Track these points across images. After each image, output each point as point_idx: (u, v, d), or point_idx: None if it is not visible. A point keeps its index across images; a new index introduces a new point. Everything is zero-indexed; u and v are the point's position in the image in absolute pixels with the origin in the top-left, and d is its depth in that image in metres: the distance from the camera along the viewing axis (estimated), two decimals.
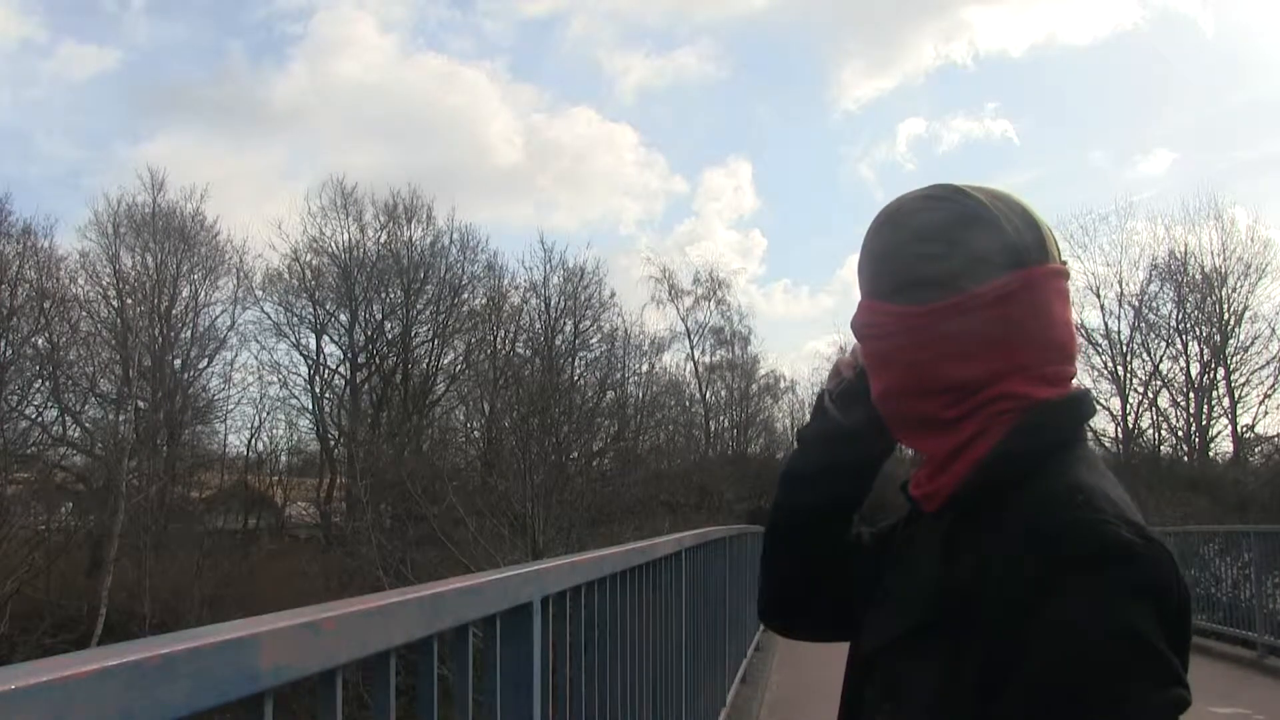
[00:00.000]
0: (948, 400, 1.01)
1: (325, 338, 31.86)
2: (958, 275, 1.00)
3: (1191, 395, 28.23)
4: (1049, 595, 0.87)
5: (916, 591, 1.01)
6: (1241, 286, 27.67)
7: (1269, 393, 27.07)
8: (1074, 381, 1.07)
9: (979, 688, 0.89)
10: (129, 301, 28.17)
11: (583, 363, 31.12)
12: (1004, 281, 1.00)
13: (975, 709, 0.90)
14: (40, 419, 25.75)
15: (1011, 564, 0.90)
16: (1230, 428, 27.61)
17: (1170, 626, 0.88)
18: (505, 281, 32.67)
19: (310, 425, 31.80)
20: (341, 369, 32.08)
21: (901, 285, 1.02)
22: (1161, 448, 28.57)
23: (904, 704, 0.99)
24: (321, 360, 31.85)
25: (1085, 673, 0.84)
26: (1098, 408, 1.11)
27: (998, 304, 0.99)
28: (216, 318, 30.45)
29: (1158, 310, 28.91)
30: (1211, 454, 27.72)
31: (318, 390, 31.66)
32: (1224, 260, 27.82)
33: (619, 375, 31.84)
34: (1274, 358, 27.05)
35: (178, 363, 29.41)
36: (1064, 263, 1.07)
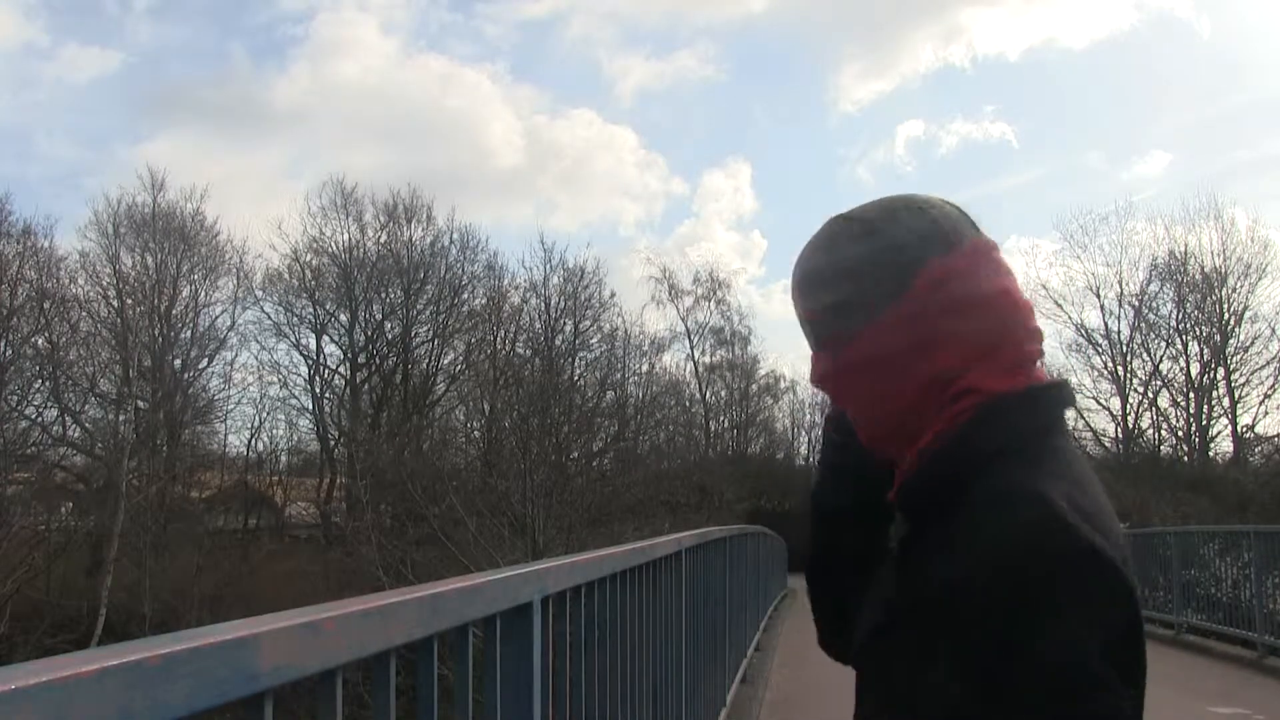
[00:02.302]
0: (909, 420, 1.00)
1: (325, 338, 31.94)
2: (856, 315, 1.00)
3: (1191, 395, 28.22)
4: (984, 610, 0.86)
5: (876, 595, 1.04)
6: (1241, 286, 27.72)
7: (1269, 393, 27.11)
8: (1050, 370, 1.04)
9: (925, 689, 0.91)
10: (129, 301, 28.18)
11: (583, 363, 31.15)
12: (905, 296, 0.98)
13: (922, 709, 0.92)
14: (40, 419, 25.79)
15: (949, 572, 0.90)
16: (1230, 428, 27.65)
17: (1115, 638, 0.86)
18: (505, 281, 32.75)
19: (310, 425, 31.88)
20: (341, 369, 32.14)
21: (822, 341, 1.05)
22: (1161, 448, 28.57)
23: (865, 703, 1.04)
24: (321, 360, 31.92)
25: (1015, 693, 0.84)
26: (1066, 397, 1.04)
27: (903, 322, 0.98)
28: (216, 318, 30.53)
29: (1158, 310, 28.97)
30: (1211, 454, 27.72)
31: (318, 390, 31.71)
32: (1224, 260, 27.86)
33: (619, 375, 31.88)
34: (1274, 358, 27.08)
35: (178, 363, 29.42)
36: (977, 231, 1.03)
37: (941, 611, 0.89)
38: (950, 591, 0.89)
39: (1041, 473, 0.92)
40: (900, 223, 1.01)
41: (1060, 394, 1.03)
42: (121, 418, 26.43)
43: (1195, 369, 28.17)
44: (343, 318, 31.77)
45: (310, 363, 31.76)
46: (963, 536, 0.90)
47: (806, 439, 37.00)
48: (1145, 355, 28.81)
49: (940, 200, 1.05)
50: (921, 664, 0.90)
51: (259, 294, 31.16)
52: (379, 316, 31.85)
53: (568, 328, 31.41)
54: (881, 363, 1.00)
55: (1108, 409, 29.06)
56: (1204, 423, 28.04)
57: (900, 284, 0.99)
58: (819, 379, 1.06)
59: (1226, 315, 27.69)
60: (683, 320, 36.69)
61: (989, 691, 0.85)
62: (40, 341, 25.86)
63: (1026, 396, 0.99)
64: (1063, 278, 29.78)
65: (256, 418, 31.43)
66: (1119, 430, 28.86)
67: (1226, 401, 27.70)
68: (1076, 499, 0.90)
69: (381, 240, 32.11)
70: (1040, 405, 1.00)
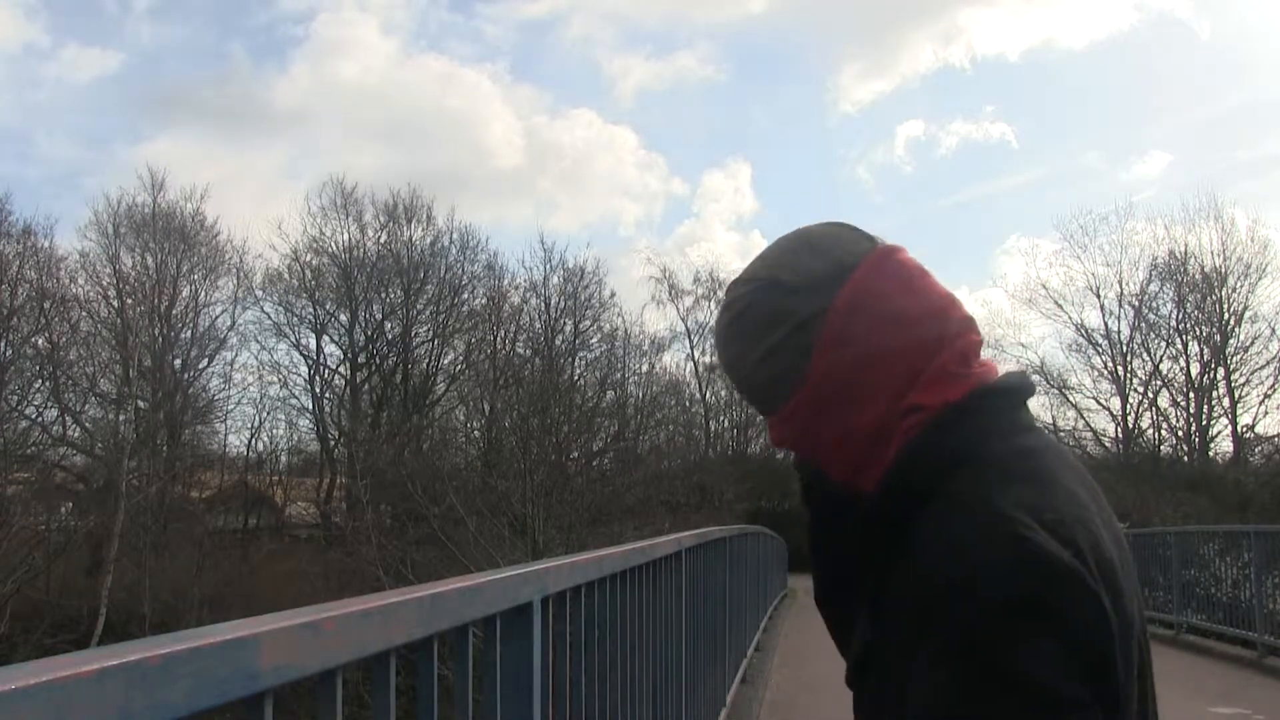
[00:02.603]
0: (877, 449, 0.97)
1: (325, 338, 31.95)
2: (782, 386, 0.99)
3: (1191, 395, 28.23)
4: (930, 633, 0.83)
5: (859, 627, 1.03)
6: (1241, 286, 27.74)
7: (1269, 393, 27.14)
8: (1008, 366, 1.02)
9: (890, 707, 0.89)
10: (129, 301, 28.19)
11: (583, 363, 31.13)
12: (818, 349, 0.96)
13: None
14: (40, 419, 25.80)
15: (902, 602, 0.88)
16: (1230, 428, 27.67)
17: (1082, 649, 0.81)
18: (505, 281, 32.75)
19: (310, 425, 31.90)
20: (341, 369, 32.15)
21: (763, 406, 1.04)
22: (1161, 448, 28.59)
23: (857, 714, 1.03)
24: (321, 360, 31.93)
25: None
26: (1018, 392, 0.99)
27: (827, 372, 0.96)
28: (216, 318, 30.56)
29: (1158, 310, 29.00)
30: (1211, 454, 27.73)
31: (318, 390, 31.73)
32: (1224, 260, 27.89)
33: (619, 375, 31.86)
34: (1274, 358, 27.11)
35: (178, 363, 29.44)
36: (871, 243, 1.00)
37: (899, 644, 0.87)
38: (904, 623, 0.87)
39: (995, 481, 0.88)
40: (782, 285, 0.98)
41: (1010, 391, 0.98)
42: (121, 418, 26.45)
43: (1195, 369, 28.23)
44: (343, 318, 31.82)
45: (310, 363, 31.83)
46: (913, 563, 0.88)
47: None
48: (1145, 355, 28.87)
49: (820, 229, 1.03)
50: (896, 698, 0.88)
51: (259, 294, 31.25)
52: (379, 316, 31.89)
53: (568, 328, 31.45)
54: (825, 413, 0.98)
55: (1108, 409, 29.15)
56: (1204, 423, 28.06)
57: (808, 341, 0.97)
58: (777, 443, 1.05)
59: (1226, 315, 27.72)
60: (683, 320, 36.70)
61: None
62: (40, 341, 25.90)
63: (972, 401, 0.95)
64: (1063, 278, 29.86)
65: (256, 418, 31.51)
66: (1119, 430, 28.89)
67: (1226, 401, 27.76)
68: (1035, 503, 0.86)
69: (381, 240, 32.18)
70: (988, 407, 0.95)
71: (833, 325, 0.96)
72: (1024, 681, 0.79)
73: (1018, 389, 0.99)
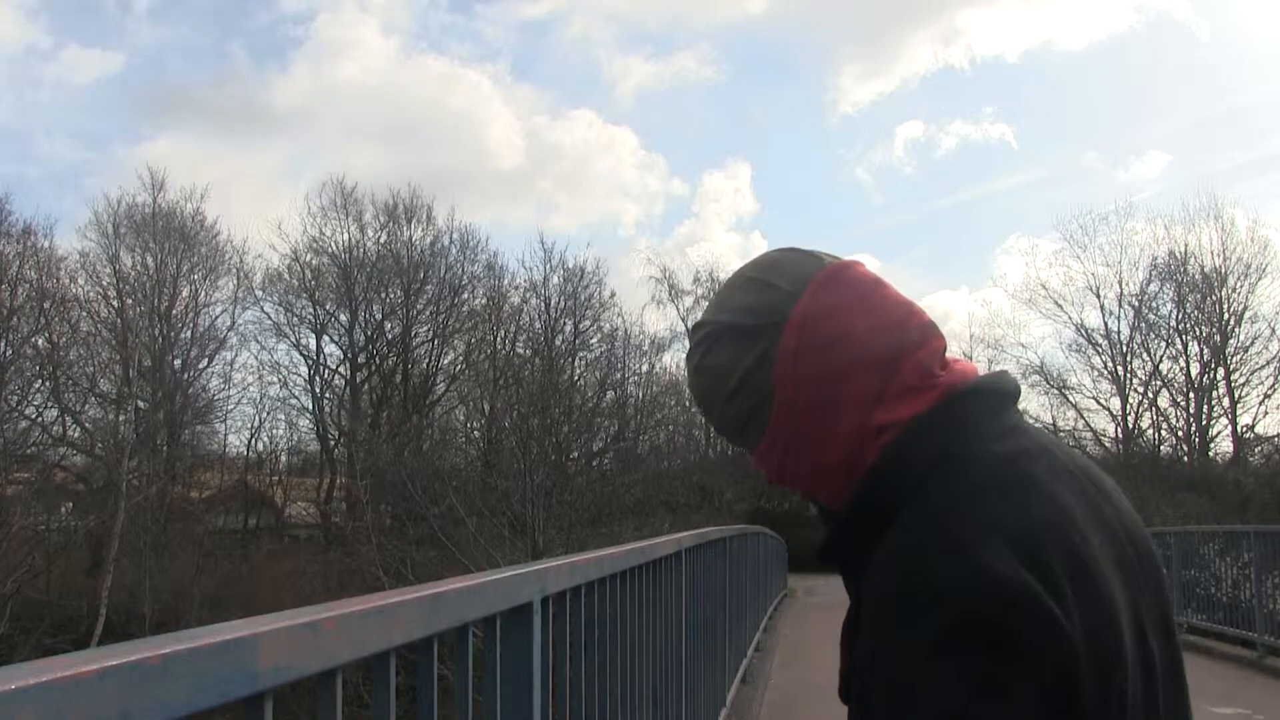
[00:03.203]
0: (856, 470, 0.95)
1: (325, 338, 31.95)
2: (754, 423, 0.98)
3: (1191, 395, 28.22)
4: (882, 654, 0.81)
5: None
6: (1241, 286, 27.72)
7: (1269, 393, 27.11)
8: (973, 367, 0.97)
9: None
10: (129, 301, 28.20)
11: (583, 363, 31.16)
12: (777, 383, 0.95)
13: None
14: (40, 419, 25.80)
15: (867, 614, 0.86)
16: (1230, 428, 27.65)
17: (1032, 684, 0.77)
18: (505, 281, 32.78)
19: (310, 425, 31.90)
20: (341, 369, 32.15)
21: (740, 444, 1.03)
22: (1161, 448, 28.57)
23: None
24: (321, 360, 31.93)
25: None
26: (992, 394, 0.95)
27: (790, 404, 0.95)
28: (216, 318, 30.56)
29: (1158, 310, 28.98)
30: (1211, 454, 27.71)
31: (318, 390, 31.73)
32: (1224, 260, 27.86)
33: (619, 375, 31.88)
34: (1274, 358, 27.09)
35: (178, 363, 29.45)
36: (830, 262, 0.99)
37: (864, 667, 0.85)
38: (867, 646, 0.85)
39: (959, 498, 0.85)
40: (735, 328, 0.98)
41: (983, 394, 0.95)
42: (121, 418, 26.46)
43: (1195, 369, 28.21)
44: (343, 318, 31.83)
45: (310, 363, 31.82)
46: (871, 584, 0.86)
47: None
48: (1145, 355, 28.85)
49: (767, 258, 1.02)
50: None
51: (259, 294, 31.25)
52: (379, 316, 31.90)
53: (568, 328, 31.47)
54: (797, 446, 0.97)
55: (1108, 409, 29.13)
56: (1204, 423, 28.06)
57: (767, 376, 0.96)
58: (767, 477, 1.04)
59: (1226, 315, 27.71)
60: (683, 320, 36.61)
61: None
62: (40, 341, 25.91)
63: (938, 412, 0.92)
64: (1062, 278, 29.82)
65: (256, 418, 31.51)
66: (1119, 430, 28.88)
67: (1226, 401, 27.74)
68: (998, 519, 0.82)
69: (381, 240, 32.20)
70: (956, 416, 0.92)
71: (785, 361, 0.95)
72: (968, 717, 0.75)
73: (992, 391, 0.96)
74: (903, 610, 0.80)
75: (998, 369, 1.01)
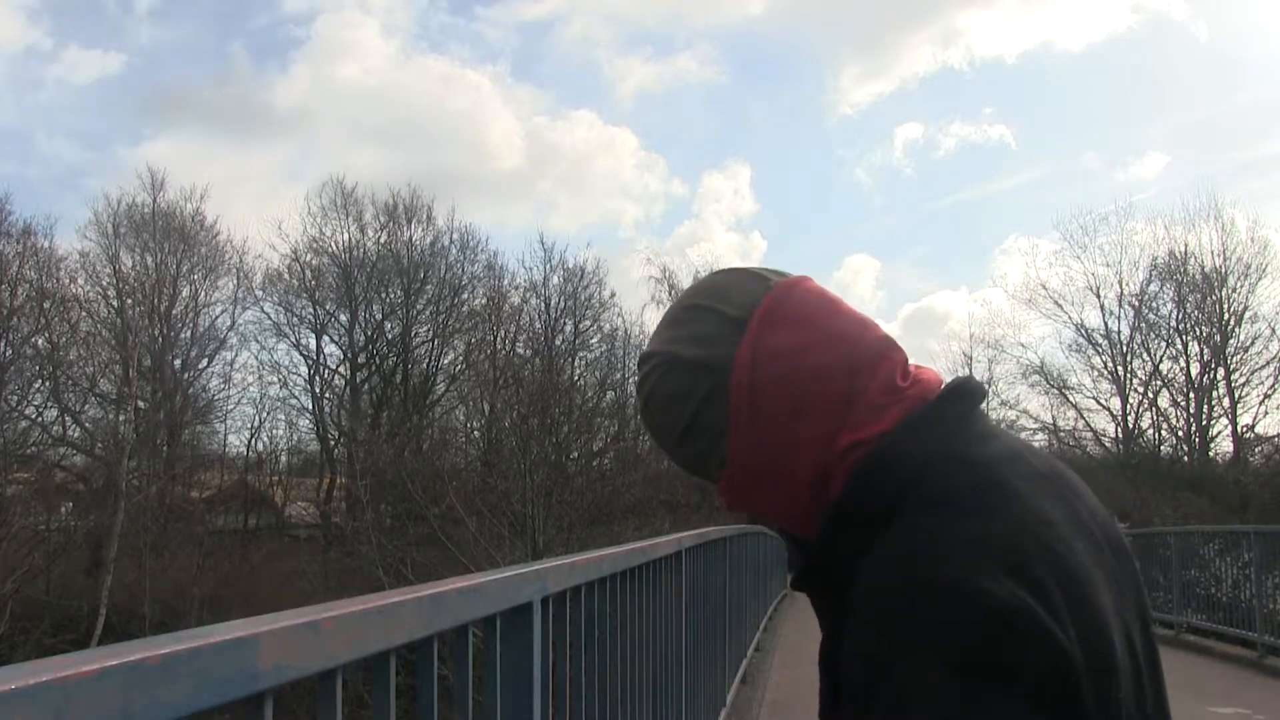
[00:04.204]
0: (822, 493, 0.93)
1: (325, 338, 31.97)
2: (713, 454, 0.95)
3: (1191, 395, 28.21)
4: (872, 679, 0.79)
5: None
6: (1241, 286, 27.70)
7: (1269, 393, 27.09)
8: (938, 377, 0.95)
9: None
10: (129, 301, 28.23)
11: (583, 363, 31.17)
12: (731, 412, 0.92)
13: None
14: (40, 419, 25.83)
15: (851, 639, 0.84)
16: (1230, 428, 27.63)
17: (1042, 706, 0.75)
18: (505, 281, 32.78)
19: (310, 425, 31.92)
20: (341, 369, 32.16)
21: (702, 476, 1.00)
22: (1161, 448, 28.56)
23: None
24: (321, 360, 31.94)
25: None
26: (959, 403, 0.92)
27: (748, 432, 0.92)
28: (216, 318, 30.60)
29: (1158, 310, 28.97)
30: (1211, 454, 27.71)
31: (318, 390, 31.74)
32: (1224, 260, 27.84)
33: (619, 375, 31.82)
34: (1274, 358, 27.06)
35: (178, 363, 29.48)
36: (766, 285, 0.94)
37: (850, 692, 0.83)
38: (855, 684, 0.83)
39: (939, 520, 0.82)
40: (680, 362, 0.94)
41: (952, 400, 0.92)
42: (121, 418, 26.45)
43: (1195, 369, 28.19)
44: (343, 318, 31.84)
45: (310, 363, 31.85)
46: (854, 618, 0.84)
47: None
48: (1145, 355, 28.84)
49: (710, 282, 0.98)
50: None
51: (259, 294, 31.28)
52: (379, 316, 31.91)
53: (568, 328, 31.48)
54: (759, 481, 0.94)
55: (1108, 409, 29.11)
56: (1204, 423, 28.04)
57: (722, 415, 0.93)
58: (727, 507, 1.01)
59: (1226, 315, 27.69)
60: None
61: None
62: (40, 341, 25.93)
63: (908, 427, 0.90)
64: (1062, 278, 29.81)
65: (256, 418, 31.52)
66: (1119, 430, 28.87)
67: (1226, 401, 27.72)
68: (984, 536, 0.80)
69: (381, 240, 32.22)
70: (925, 427, 0.90)
71: (737, 396, 0.92)
72: None
73: (958, 397, 0.93)
74: (900, 643, 0.78)
75: (961, 374, 0.99)
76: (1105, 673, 0.81)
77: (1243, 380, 27.58)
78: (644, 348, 1.01)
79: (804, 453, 0.92)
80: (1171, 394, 28.57)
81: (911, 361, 0.98)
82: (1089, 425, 28.91)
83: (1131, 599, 0.91)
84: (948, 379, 0.97)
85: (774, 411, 0.92)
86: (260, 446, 31.47)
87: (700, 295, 0.98)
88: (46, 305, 25.92)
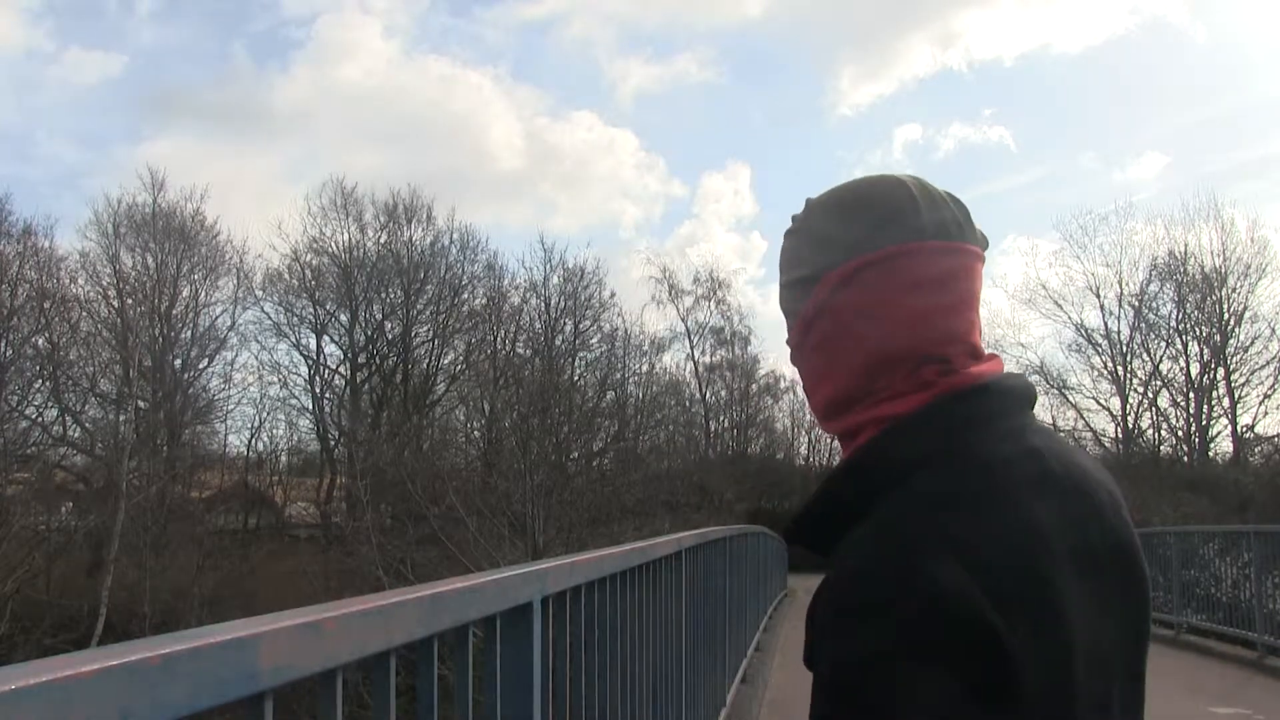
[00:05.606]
0: (842, 431, 0.97)
1: (325, 338, 31.96)
2: (789, 311, 1.01)
3: (1191, 395, 28.22)
4: (814, 647, 0.84)
5: None
6: (1241, 287, 27.71)
7: (1269, 393, 27.11)
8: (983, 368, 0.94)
9: None
10: (129, 301, 28.18)
11: (583, 363, 31.16)
12: (815, 289, 0.96)
13: None
14: (40, 419, 25.83)
15: (810, 606, 0.87)
16: (1230, 428, 27.65)
17: (969, 690, 0.75)
18: (505, 281, 32.78)
19: (310, 425, 31.91)
20: (341, 369, 32.16)
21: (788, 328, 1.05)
22: (1161, 448, 28.57)
23: None
24: (321, 360, 31.93)
25: None
26: (984, 401, 0.91)
27: (811, 314, 0.96)
28: (216, 318, 30.55)
29: (1158, 310, 28.98)
30: (1211, 454, 27.72)
31: (318, 390, 31.73)
32: (1223, 260, 27.85)
33: (619, 375, 31.85)
34: (1274, 358, 27.08)
35: (178, 363, 29.44)
36: (901, 234, 0.93)
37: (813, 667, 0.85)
38: (811, 642, 0.85)
39: (915, 507, 0.83)
40: (810, 236, 0.99)
41: (980, 397, 0.91)
42: (121, 418, 26.44)
43: (1195, 369, 28.20)
44: (343, 318, 31.83)
45: (310, 363, 31.83)
46: (823, 588, 0.85)
47: (807, 439, 36.86)
48: (1145, 355, 28.85)
49: (874, 189, 0.97)
50: None
51: (259, 294, 31.24)
52: (379, 316, 31.90)
53: (568, 328, 31.46)
54: (804, 378, 1.01)
55: (1108, 409, 29.13)
56: (1204, 423, 28.05)
57: (811, 278, 0.97)
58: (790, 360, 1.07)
59: (1226, 315, 27.70)
60: (683, 320, 36.69)
61: None
62: (40, 341, 25.93)
63: (926, 414, 0.90)
64: (1062, 278, 29.87)
65: (256, 418, 31.49)
66: (1119, 430, 28.88)
67: (1226, 401, 27.74)
68: (957, 535, 0.80)
69: (381, 240, 32.20)
70: (944, 418, 0.89)
71: (832, 281, 0.95)
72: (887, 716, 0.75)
73: (994, 393, 0.92)
74: (839, 617, 0.80)
75: (1014, 371, 0.99)
76: (1058, 682, 0.81)
77: (1242, 380, 27.64)
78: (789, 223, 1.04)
79: (842, 368, 0.95)
80: (1171, 394, 28.60)
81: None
82: (1089, 425, 28.93)
83: (1131, 611, 0.91)
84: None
85: (818, 345, 0.97)
86: (260, 446, 31.51)
87: (856, 195, 0.98)
88: (47, 305, 25.94)
